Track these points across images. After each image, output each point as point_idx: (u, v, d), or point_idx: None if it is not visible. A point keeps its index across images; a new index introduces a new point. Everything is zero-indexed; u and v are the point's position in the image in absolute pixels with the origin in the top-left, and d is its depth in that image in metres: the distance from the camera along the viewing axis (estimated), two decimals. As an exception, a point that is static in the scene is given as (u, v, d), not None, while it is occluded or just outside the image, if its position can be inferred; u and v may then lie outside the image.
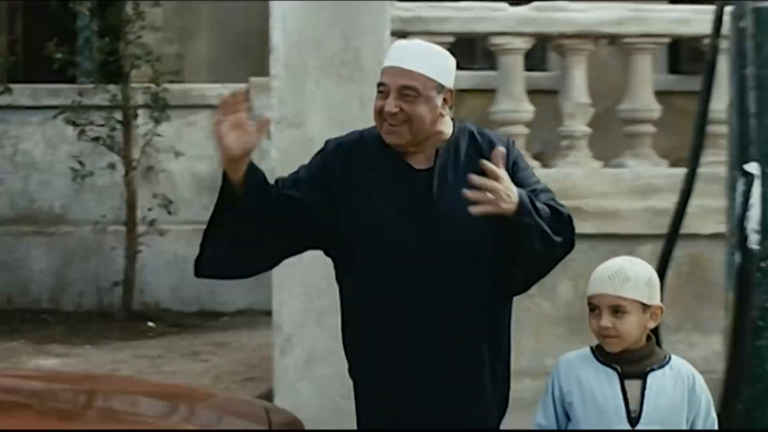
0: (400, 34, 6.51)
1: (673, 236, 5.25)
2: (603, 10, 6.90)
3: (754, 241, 4.47)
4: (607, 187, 6.82)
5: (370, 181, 3.94)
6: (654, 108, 7.09)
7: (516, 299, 5.09)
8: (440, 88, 3.90)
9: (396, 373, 3.83)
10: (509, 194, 3.68)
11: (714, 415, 3.74)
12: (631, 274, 3.68)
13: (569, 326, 6.67)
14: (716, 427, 3.74)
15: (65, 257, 10.03)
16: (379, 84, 3.85)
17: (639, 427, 3.63)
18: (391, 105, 3.83)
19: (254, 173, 3.73)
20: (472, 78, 8.46)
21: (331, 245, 3.93)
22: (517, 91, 6.80)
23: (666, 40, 7.13)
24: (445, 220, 3.89)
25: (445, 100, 3.93)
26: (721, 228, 5.29)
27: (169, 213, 9.58)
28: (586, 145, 6.96)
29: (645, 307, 3.67)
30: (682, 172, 5.74)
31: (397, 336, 3.83)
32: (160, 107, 9.38)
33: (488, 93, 7.36)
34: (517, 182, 3.85)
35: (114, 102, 9.42)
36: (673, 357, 3.74)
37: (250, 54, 12.60)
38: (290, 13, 6.16)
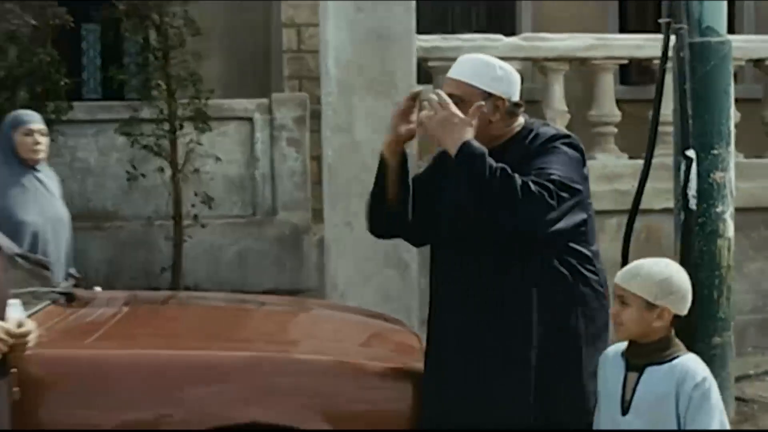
0: (423, 60, 8.32)
1: (634, 211, 6.81)
2: (576, 39, 8.68)
3: (693, 204, 6.04)
4: (581, 174, 8.56)
5: (438, 180, 4.27)
6: (616, 114, 8.89)
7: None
8: (486, 95, 4.03)
9: (442, 362, 4.14)
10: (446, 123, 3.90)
11: (712, 415, 3.66)
12: (642, 272, 3.73)
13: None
14: (709, 425, 3.66)
15: (118, 248, 11.38)
16: None
17: (627, 416, 3.74)
18: None
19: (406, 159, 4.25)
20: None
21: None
22: (511, 103, 8.61)
23: (624, 61, 8.93)
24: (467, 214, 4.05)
25: (496, 106, 4.05)
26: (669, 204, 6.85)
27: (210, 208, 11.20)
28: (564, 144, 8.75)
29: (649, 305, 3.69)
30: (637, 162, 7.34)
31: (440, 319, 4.18)
32: (202, 120, 11.02)
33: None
34: (529, 166, 3.98)
35: (162, 116, 11.08)
36: (684, 356, 3.75)
37: (256, 72, 14.24)
38: (340, 44, 7.87)
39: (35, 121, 6.19)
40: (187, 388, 4.05)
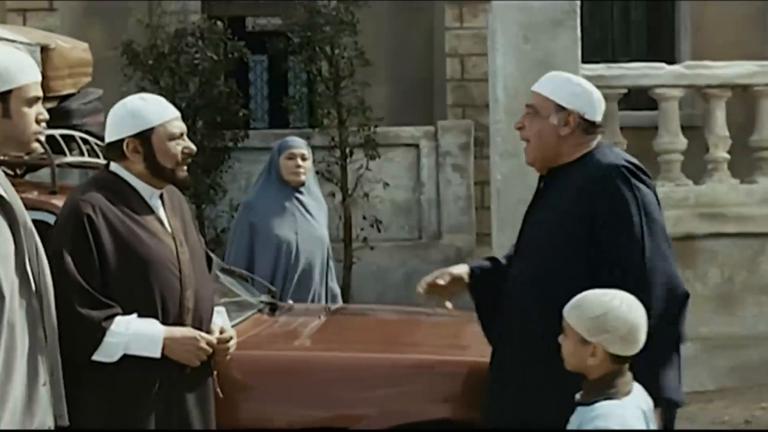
0: (587, 88, 8.65)
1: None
2: (738, 67, 8.91)
3: None
4: (743, 198, 8.74)
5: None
6: (778, 138, 9.16)
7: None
8: (559, 108, 4.06)
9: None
10: None
11: None
12: (583, 304, 3.49)
13: (717, 303, 8.64)
14: None
15: (292, 269, 12.04)
16: None
17: None
18: (518, 120, 4.19)
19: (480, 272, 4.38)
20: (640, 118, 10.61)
21: None
22: (674, 128, 8.93)
23: (786, 87, 9.19)
24: (529, 241, 4.16)
25: (567, 121, 4.05)
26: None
27: (378, 231, 11.66)
28: (726, 167, 9.00)
29: (583, 340, 3.46)
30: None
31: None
32: (372, 147, 11.50)
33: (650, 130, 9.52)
34: (601, 239, 3.92)
35: (333, 143, 11.59)
36: (602, 403, 3.46)
37: (419, 101, 14.67)
38: (508, 73, 8.29)
39: (298, 146, 6.58)
40: (382, 387, 4.49)
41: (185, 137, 4.23)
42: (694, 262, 8.56)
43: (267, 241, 6.32)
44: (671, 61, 10.16)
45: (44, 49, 4.95)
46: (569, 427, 3.52)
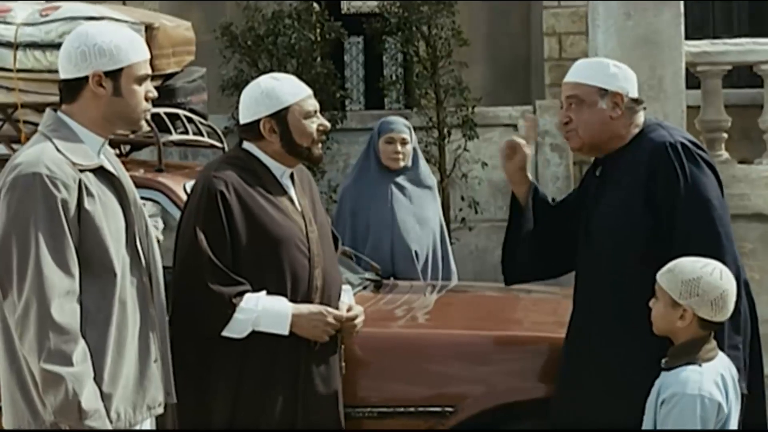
0: (691, 65, 8.52)
1: None
2: None
3: None
4: None
5: (583, 201, 4.32)
6: None
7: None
8: (603, 92, 4.07)
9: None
10: None
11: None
12: (676, 268, 3.61)
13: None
14: None
15: (390, 250, 12.05)
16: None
17: (645, 416, 3.69)
18: (561, 115, 4.15)
19: (536, 191, 4.41)
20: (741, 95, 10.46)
21: None
22: (782, 106, 8.73)
23: None
24: (596, 224, 4.13)
25: (615, 103, 4.08)
26: None
27: (476, 212, 11.63)
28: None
29: (675, 303, 3.58)
30: None
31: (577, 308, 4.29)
32: (470, 127, 11.45)
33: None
34: (662, 202, 3.99)
35: (431, 123, 11.56)
36: (687, 367, 3.59)
37: (516, 80, 14.60)
38: (609, 51, 8.14)
39: (399, 130, 6.32)
40: (488, 365, 4.47)
41: (319, 114, 4.25)
42: (798, 243, 8.39)
43: (364, 228, 6.16)
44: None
45: (148, 28, 4.98)
46: (653, 390, 3.63)
